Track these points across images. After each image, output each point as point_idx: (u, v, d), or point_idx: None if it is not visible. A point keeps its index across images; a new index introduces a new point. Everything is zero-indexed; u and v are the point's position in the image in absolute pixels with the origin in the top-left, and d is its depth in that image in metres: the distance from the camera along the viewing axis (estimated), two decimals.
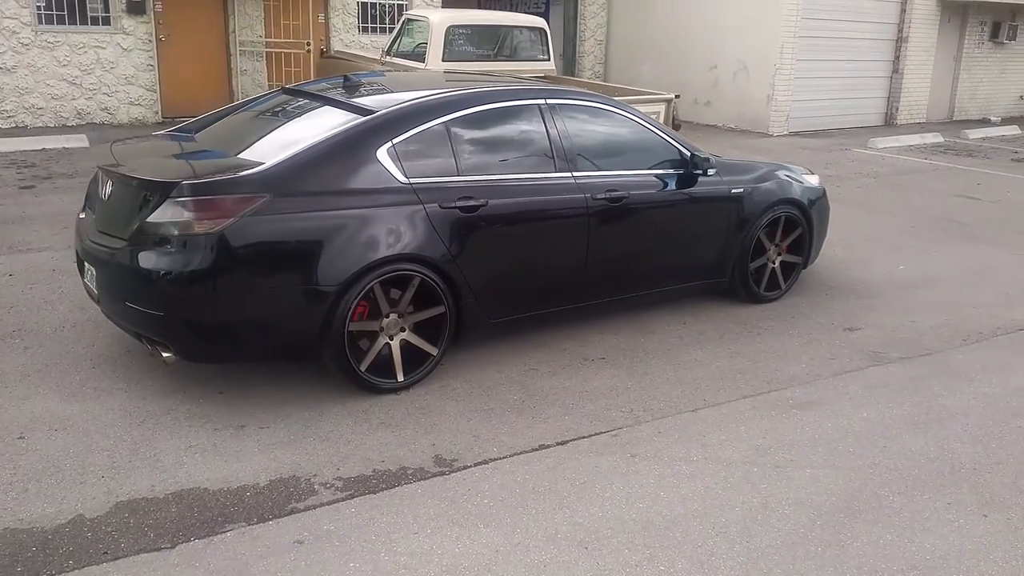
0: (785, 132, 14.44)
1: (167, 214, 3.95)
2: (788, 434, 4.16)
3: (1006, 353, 5.29)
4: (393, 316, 4.40)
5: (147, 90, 12.65)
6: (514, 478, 3.71)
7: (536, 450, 3.95)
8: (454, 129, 4.62)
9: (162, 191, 3.98)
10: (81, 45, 12.15)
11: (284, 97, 5.26)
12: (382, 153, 4.37)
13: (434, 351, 4.54)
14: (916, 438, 4.15)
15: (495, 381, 4.66)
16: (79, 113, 12.31)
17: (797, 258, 6.14)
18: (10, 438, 3.90)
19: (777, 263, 6.02)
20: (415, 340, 4.49)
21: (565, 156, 4.95)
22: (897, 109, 15.95)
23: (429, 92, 4.79)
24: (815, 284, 6.46)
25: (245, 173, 4.06)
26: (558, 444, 4.01)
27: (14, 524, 3.29)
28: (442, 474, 3.73)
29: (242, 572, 3.05)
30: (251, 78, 13.47)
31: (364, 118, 4.46)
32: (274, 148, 4.38)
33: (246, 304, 4.03)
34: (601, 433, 4.12)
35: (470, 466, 3.80)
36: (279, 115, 5.03)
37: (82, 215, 4.71)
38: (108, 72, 12.37)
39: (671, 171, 5.41)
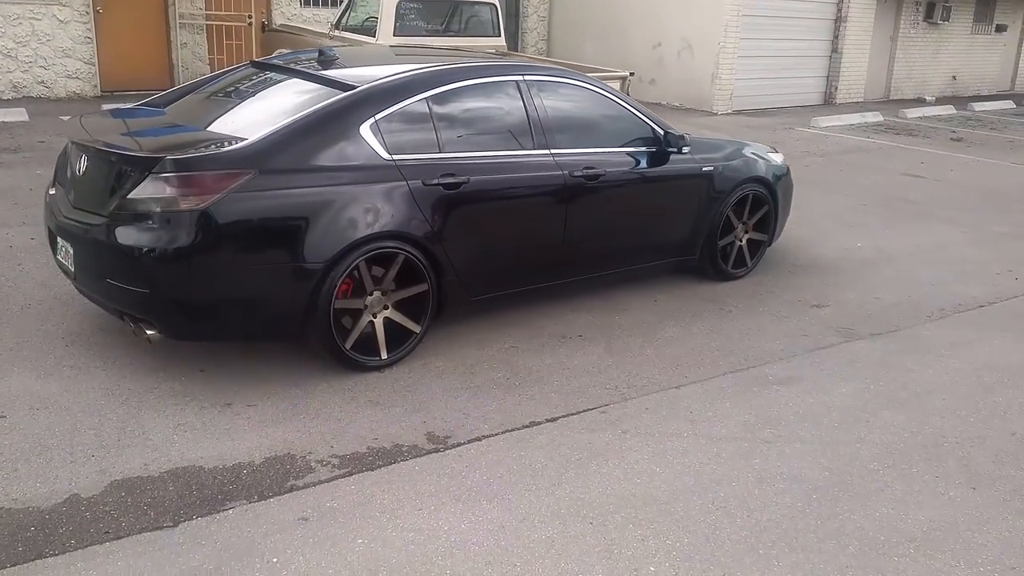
0: (729, 111, 14.66)
1: (149, 190, 3.86)
2: (773, 410, 4.28)
3: (969, 329, 5.50)
4: (376, 294, 4.38)
5: (85, 63, 12.24)
6: (509, 455, 3.74)
7: (527, 427, 3.99)
8: (435, 105, 4.60)
9: (143, 166, 3.89)
10: (15, 16, 11.68)
11: (253, 71, 5.15)
12: (365, 129, 4.33)
13: (417, 328, 4.54)
14: (897, 413, 4.31)
15: (477, 359, 4.68)
16: (15, 86, 11.86)
17: (763, 236, 6.28)
18: None
19: (744, 241, 6.14)
20: (398, 318, 4.48)
21: (543, 133, 4.96)
22: (836, 88, 16.32)
23: (409, 67, 4.76)
24: (778, 262, 6.62)
25: (229, 148, 3.99)
26: (548, 421, 4.06)
27: (8, 504, 3.21)
28: (436, 451, 3.75)
29: (250, 549, 3.04)
30: (191, 51, 13.14)
31: (346, 93, 4.41)
32: (253, 123, 4.31)
33: (232, 282, 3.97)
34: (590, 410, 4.18)
35: (463, 443, 3.83)
36: (252, 90, 4.93)
37: (52, 191, 4.57)
38: (44, 44, 11.93)
39: (645, 148, 5.47)
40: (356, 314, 4.35)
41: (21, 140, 9.29)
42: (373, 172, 4.28)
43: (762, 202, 6.14)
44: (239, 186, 3.90)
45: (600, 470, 3.66)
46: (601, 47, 15.74)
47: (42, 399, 3.98)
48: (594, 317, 5.35)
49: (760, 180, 6.07)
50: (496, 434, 3.92)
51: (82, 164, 4.21)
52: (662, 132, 5.53)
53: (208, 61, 13.08)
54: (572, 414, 4.14)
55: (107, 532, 3.09)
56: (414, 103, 4.52)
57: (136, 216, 3.89)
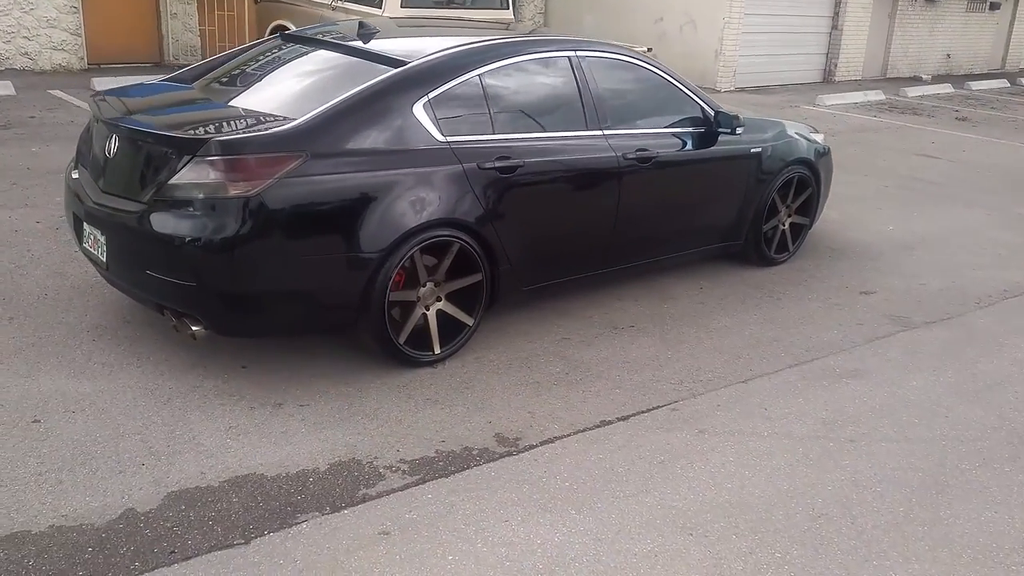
0: (732, 88, 14.45)
1: (193, 175, 3.57)
2: (847, 406, 4.08)
3: (1021, 317, 5.34)
4: (429, 285, 4.12)
5: (71, 34, 11.73)
6: (587, 458, 3.52)
7: (599, 427, 3.77)
8: (488, 83, 4.32)
9: (186, 149, 3.59)
10: None
11: (283, 45, 4.83)
12: (418, 109, 4.04)
13: (470, 321, 4.29)
14: (972, 408, 4.13)
15: (530, 352, 4.44)
16: None
17: (805, 219, 6.08)
18: (23, 422, 3.49)
19: (787, 224, 5.93)
20: (451, 310, 4.22)
21: (595, 112, 4.70)
22: (836, 66, 16.15)
23: (459, 42, 4.47)
24: (815, 246, 6.42)
25: (278, 129, 3.69)
26: (619, 420, 3.83)
27: (58, 521, 2.93)
28: (509, 454, 3.51)
29: (333, 568, 2.79)
30: (182, 22, 12.65)
31: (397, 70, 4.12)
32: (296, 102, 4.03)
33: (283, 273, 3.69)
34: (660, 407, 3.96)
35: (536, 445, 3.59)
36: (286, 65, 4.62)
37: (75, 173, 4.24)
38: (27, 14, 11.41)
39: (696, 129, 5.23)
40: (408, 307, 4.08)
41: (10, 115, 8.85)
42: (428, 155, 4.00)
43: (806, 184, 5.93)
44: (291, 171, 3.61)
45: (686, 474, 3.45)
46: (601, 20, 15.40)
47: (76, 400, 3.69)
48: (642, 306, 5.13)
49: (805, 162, 5.86)
50: (568, 435, 3.69)
51: (113, 145, 3.89)
52: (712, 112, 5.29)
53: (199, 33, 12.61)
54: (643, 412, 3.91)
55: (173, 552, 2.83)
56: (467, 80, 4.24)
57: (179, 203, 3.59)
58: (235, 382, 3.92)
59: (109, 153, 3.90)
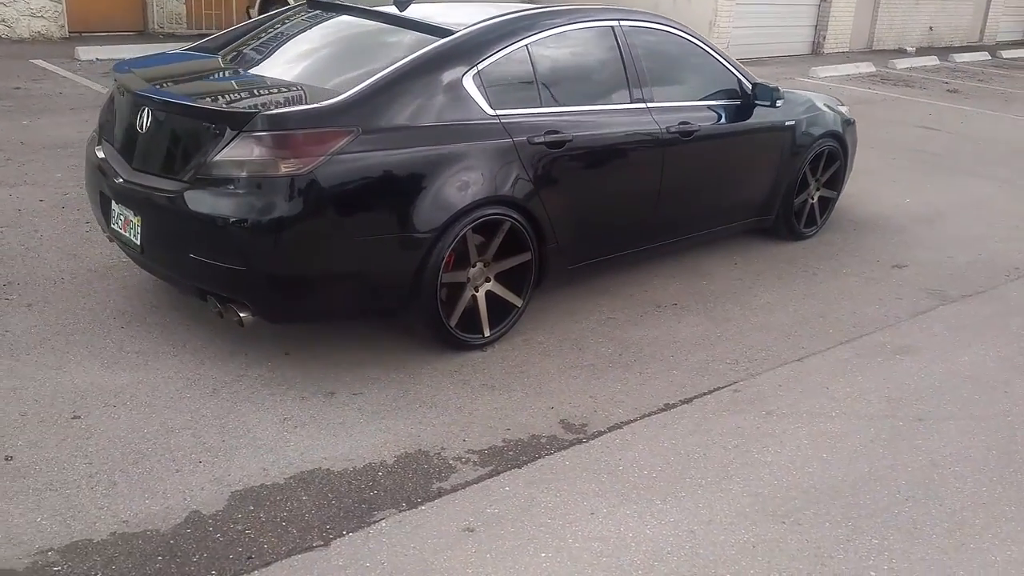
0: None
1: (240, 151, 3.35)
2: (907, 383, 3.99)
3: None
4: (479, 265, 3.95)
5: (50, 0, 11.24)
6: (659, 444, 3.39)
7: (663, 410, 3.64)
8: (535, 52, 4.13)
9: (232, 123, 3.37)
10: None
11: (312, 12, 4.59)
12: (468, 80, 3.85)
13: (519, 302, 4.13)
14: None
15: (578, 333, 4.29)
16: None
17: (832, 192, 5.98)
18: (62, 418, 3.28)
19: (815, 198, 5.83)
20: (500, 291, 4.05)
21: (639, 84, 4.54)
22: (824, 38, 16.06)
23: (503, 10, 4.26)
24: (838, 219, 6.30)
25: (328, 103, 3.48)
26: (683, 403, 3.71)
27: (120, 527, 2.74)
28: (578, 441, 3.38)
29: (424, 571, 2.64)
30: None
31: (445, 39, 3.91)
32: (339, 74, 3.81)
33: (337, 255, 3.50)
34: (721, 388, 3.85)
35: (604, 431, 3.46)
36: (318, 34, 4.38)
37: (99, 151, 3.99)
38: None
39: (734, 102, 5.08)
40: (457, 288, 3.90)
41: None
42: (478, 130, 3.81)
43: (835, 157, 5.83)
44: (343, 147, 3.41)
45: (763, 458, 3.33)
46: None
47: (115, 393, 3.48)
48: (680, 283, 5.00)
49: (834, 135, 5.75)
50: (634, 420, 3.55)
51: (145, 120, 3.65)
52: (749, 84, 5.14)
53: (185, 1, 12.17)
54: (704, 394, 3.79)
55: (250, 558, 2.65)
56: (516, 50, 4.05)
57: (224, 181, 3.37)
58: (281, 370, 3.73)
59: (141, 128, 3.66)
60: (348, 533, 2.78)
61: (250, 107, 3.43)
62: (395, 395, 3.61)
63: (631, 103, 4.48)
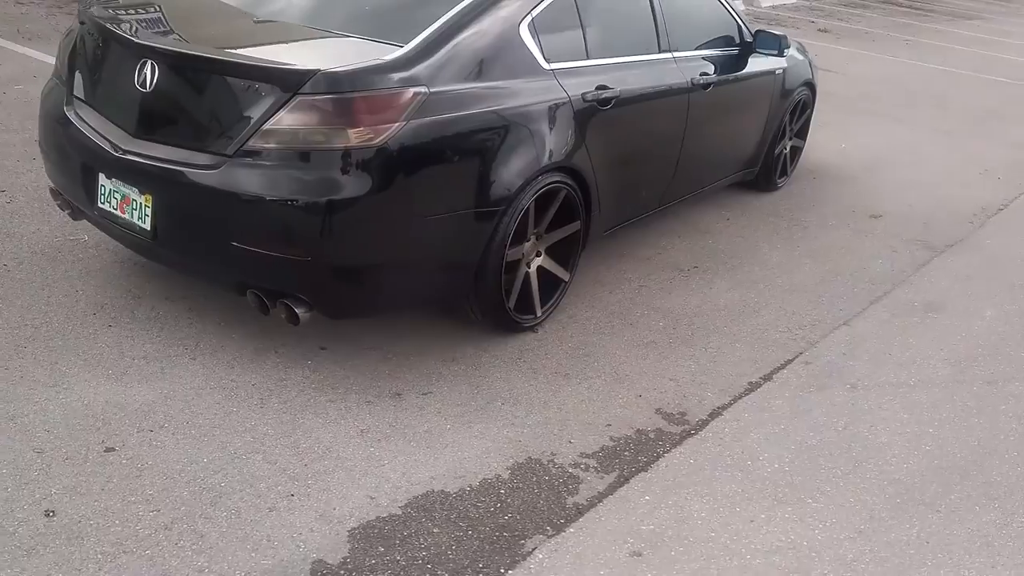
0: None
1: (299, 118, 2.78)
2: (955, 344, 3.96)
3: (1012, 237, 5.45)
4: (532, 239, 3.55)
5: None
6: (767, 429, 3.17)
7: (750, 390, 3.42)
8: None
9: (286, 84, 2.77)
10: None
11: None
12: (524, 29, 3.38)
13: (566, 276, 3.76)
14: None
15: (618, 305, 3.99)
16: None
17: (801, 142, 5.90)
18: (93, 453, 2.66)
19: (788, 148, 5.74)
20: (549, 265, 3.68)
21: (665, 33, 4.20)
22: None
23: None
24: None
25: (393, 58, 2.94)
26: (764, 380, 3.51)
27: None
28: (688, 434, 3.10)
29: None
30: None
31: None
32: (384, 22, 3.26)
33: (412, 237, 3.01)
34: (790, 362, 3.67)
35: (706, 419, 3.20)
36: None
37: (70, 110, 3.23)
38: None
39: (737, 50, 4.84)
40: (512, 265, 3.48)
41: None
42: (538, 86, 3.37)
43: (807, 105, 5.75)
44: (415, 110, 2.89)
45: (878, 439, 3.19)
46: None
47: (144, 414, 2.86)
48: (687, 242, 4.77)
49: (808, 83, 5.65)
50: (728, 404, 3.32)
51: (151, 76, 2.95)
52: (749, 31, 4.91)
53: None
54: (778, 368, 3.61)
55: None
56: None
57: (279, 155, 2.79)
58: (325, 369, 3.22)
59: (145, 86, 2.96)
60: (507, 571, 2.39)
61: (303, 63, 2.82)
62: (468, 392, 3.19)
63: (659, 53, 4.15)
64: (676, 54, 4.24)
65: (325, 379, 3.16)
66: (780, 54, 4.90)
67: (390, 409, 3.04)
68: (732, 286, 4.31)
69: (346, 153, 2.77)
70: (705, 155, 4.68)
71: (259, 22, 3.30)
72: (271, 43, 3.20)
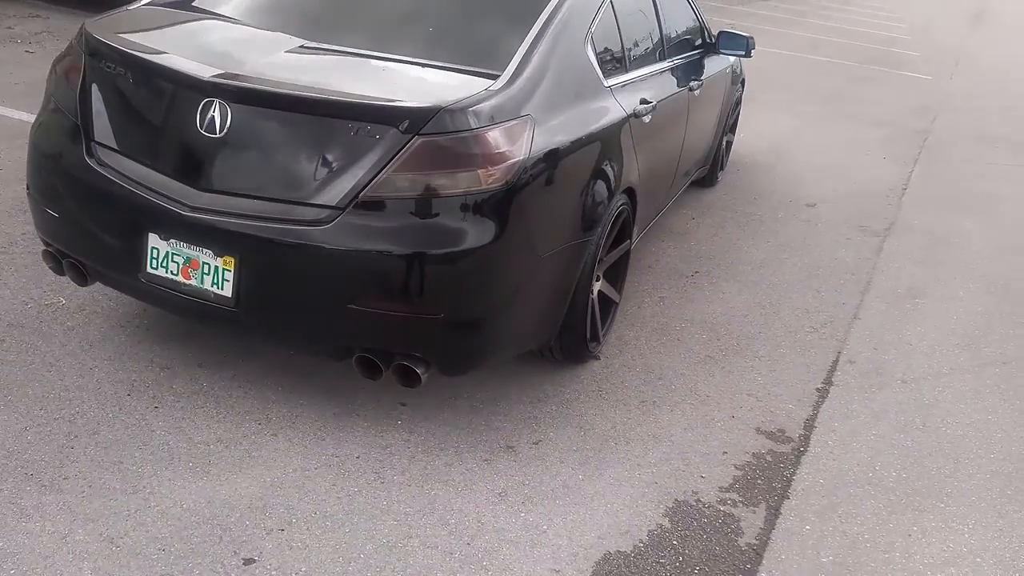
0: None
1: (427, 161, 2.49)
2: (952, 327, 4.21)
3: (931, 212, 5.90)
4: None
5: None
6: (867, 437, 3.23)
7: (822, 397, 3.48)
8: (617, 8, 3.57)
9: (406, 123, 2.46)
10: None
11: None
12: (587, 46, 3.21)
13: (618, 298, 3.66)
14: None
15: (653, 319, 3.92)
16: None
17: (732, 136, 6.07)
18: (231, 566, 2.29)
19: (724, 143, 5.87)
20: (607, 289, 3.55)
21: (664, 41, 4.16)
22: None
23: None
24: None
25: (499, 87, 2.69)
26: (826, 384, 3.57)
27: None
28: (799, 452, 3.11)
29: None
30: None
31: None
32: (465, 46, 3.00)
33: (532, 278, 2.80)
34: (837, 362, 3.75)
35: (804, 433, 3.22)
36: None
37: (90, 159, 2.72)
38: None
39: (705, 51, 4.87)
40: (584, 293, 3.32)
41: None
42: (604, 105, 3.22)
43: (739, 100, 5.91)
44: (532, 142, 2.67)
45: (965, 434, 3.31)
46: None
47: (261, 510, 2.49)
48: (672, 246, 4.77)
49: (743, 78, 5.81)
50: (814, 414, 3.35)
51: (221, 119, 2.53)
52: (711, 33, 4.96)
53: None
54: (831, 371, 3.68)
55: None
56: (607, 6, 3.45)
57: (404, 204, 2.48)
58: (421, 428, 2.94)
59: (214, 130, 2.54)
60: None
61: (417, 100, 2.52)
62: (576, 435, 3.02)
63: (665, 60, 4.10)
64: (674, 60, 4.21)
65: (427, 440, 2.88)
66: (747, 55, 4.97)
67: (512, 465, 2.81)
68: (739, 289, 4.35)
69: (478, 195, 2.51)
70: (691, 155, 4.70)
71: (310, 51, 2.91)
72: (339, 75, 2.83)
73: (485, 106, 2.56)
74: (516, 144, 2.60)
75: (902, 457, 3.12)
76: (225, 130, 2.53)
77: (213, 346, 3.19)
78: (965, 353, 3.97)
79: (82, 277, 2.93)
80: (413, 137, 2.45)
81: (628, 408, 3.22)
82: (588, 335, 3.29)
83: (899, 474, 3.02)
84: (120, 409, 2.83)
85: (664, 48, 4.10)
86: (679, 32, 4.46)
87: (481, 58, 2.84)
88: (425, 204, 2.49)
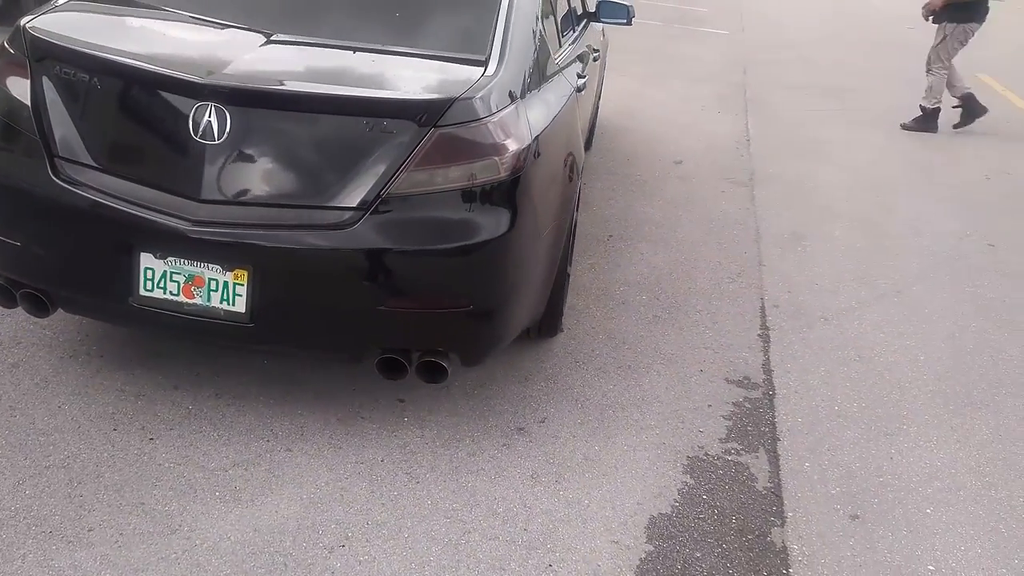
0: None
1: (447, 154, 2.47)
2: (848, 262, 4.62)
3: (779, 160, 6.36)
4: None
5: None
6: (819, 374, 3.52)
7: (765, 341, 3.75)
8: None
9: (422, 116, 2.41)
10: None
11: None
12: (539, 23, 3.22)
13: (569, 269, 3.74)
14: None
15: (593, 286, 4.05)
16: None
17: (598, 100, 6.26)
18: None
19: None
20: None
21: (571, 14, 4.24)
22: None
23: None
24: None
25: (493, 72, 2.68)
26: (764, 329, 3.85)
27: None
28: (769, 395, 3.34)
29: None
30: None
31: None
32: (434, 31, 2.94)
33: (539, 259, 2.84)
34: (764, 306, 4.05)
35: (767, 377, 3.46)
36: None
37: (60, 179, 2.46)
38: None
39: (588, 20, 4.95)
40: None
41: None
42: (560, 81, 3.29)
43: (603, 65, 6.09)
44: (531, 129, 2.70)
45: (902, 361, 3.66)
46: None
47: (312, 530, 2.40)
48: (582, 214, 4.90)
49: (606, 41, 6.00)
50: (767, 360, 3.60)
51: (218, 123, 2.36)
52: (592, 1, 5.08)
53: None
54: (764, 317, 3.96)
55: None
56: None
57: (427, 199, 2.45)
58: (429, 421, 2.92)
59: (211, 136, 2.37)
60: (787, 571, 2.47)
61: (425, 92, 2.47)
62: (576, 409, 3.11)
63: (575, 31, 4.19)
64: (578, 31, 4.30)
65: (441, 433, 2.87)
66: (628, 23, 5.12)
67: (530, 445, 2.86)
68: (654, 249, 4.56)
69: (496, 183, 2.51)
70: (590, 124, 4.82)
71: (284, 43, 2.74)
72: (332, 69, 2.70)
73: (491, 93, 2.55)
74: (520, 129, 2.61)
75: (855, 389, 3.44)
76: (225, 135, 2.37)
77: (179, 365, 2.99)
78: (863, 287, 4.38)
79: (42, 308, 2.65)
80: (430, 130, 2.41)
81: (608, 375, 3.33)
82: (562, 309, 3.36)
83: (859, 405, 3.33)
84: (113, 446, 2.61)
85: (573, 20, 4.18)
86: (576, 3, 4.54)
87: (457, 43, 2.82)
88: (448, 197, 2.47)
